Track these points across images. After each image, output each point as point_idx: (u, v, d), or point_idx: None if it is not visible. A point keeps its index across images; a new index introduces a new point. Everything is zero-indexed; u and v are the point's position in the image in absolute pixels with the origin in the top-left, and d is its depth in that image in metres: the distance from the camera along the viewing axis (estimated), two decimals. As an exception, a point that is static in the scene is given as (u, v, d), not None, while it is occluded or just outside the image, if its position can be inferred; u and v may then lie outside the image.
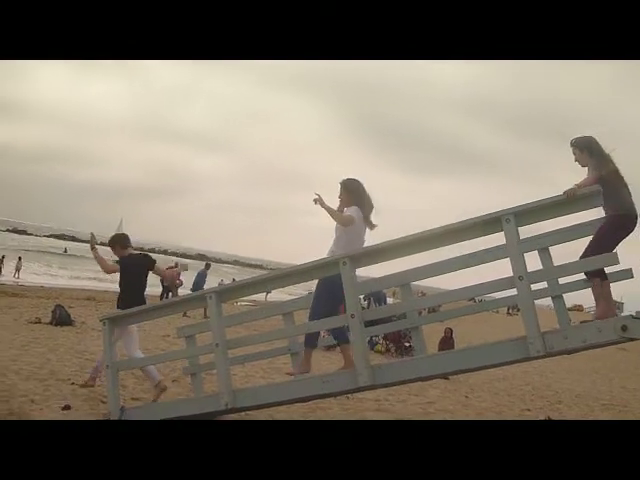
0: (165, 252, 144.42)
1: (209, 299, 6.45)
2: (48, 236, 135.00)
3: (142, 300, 8.29)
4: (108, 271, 8.77)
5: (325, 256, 6.38)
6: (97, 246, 9.04)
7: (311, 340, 6.97)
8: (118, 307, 8.47)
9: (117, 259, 8.78)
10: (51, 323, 15.23)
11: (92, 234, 9.22)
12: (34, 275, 43.62)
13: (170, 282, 28.46)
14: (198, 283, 23.80)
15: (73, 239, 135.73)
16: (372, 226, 6.90)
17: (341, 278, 5.96)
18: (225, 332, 6.60)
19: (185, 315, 18.75)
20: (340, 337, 6.79)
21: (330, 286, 6.46)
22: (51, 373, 9.35)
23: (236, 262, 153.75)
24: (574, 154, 6.03)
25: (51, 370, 9.57)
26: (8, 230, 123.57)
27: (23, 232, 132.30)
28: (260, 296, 28.02)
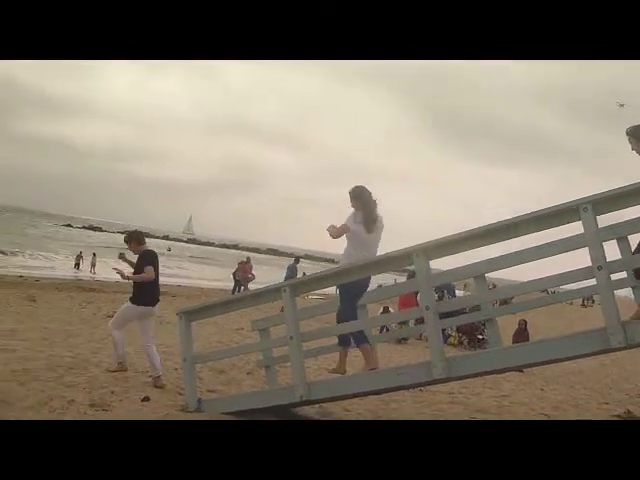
0: (236, 247, 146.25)
1: (283, 292, 6.51)
2: (121, 232, 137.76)
3: (158, 293, 9.06)
4: (148, 277, 8.98)
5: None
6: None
7: (346, 340, 7.25)
8: (134, 302, 8.99)
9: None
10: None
11: (123, 254, 9.57)
12: (109, 270, 44.56)
13: (242, 276, 29.13)
14: (289, 277, 23.96)
15: (147, 236, 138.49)
16: (370, 229, 7.15)
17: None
18: (299, 325, 6.65)
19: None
20: (359, 339, 7.03)
21: (348, 287, 6.96)
22: (130, 365, 9.57)
23: (307, 256, 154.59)
24: (630, 143, 5.87)
25: (129, 362, 9.79)
26: (84, 227, 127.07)
27: (98, 229, 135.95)
28: (330, 289, 28.02)
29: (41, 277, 27.14)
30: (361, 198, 7.31)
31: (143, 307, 8.96)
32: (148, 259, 9.01)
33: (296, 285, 6.68)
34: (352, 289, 7.07)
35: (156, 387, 8.44)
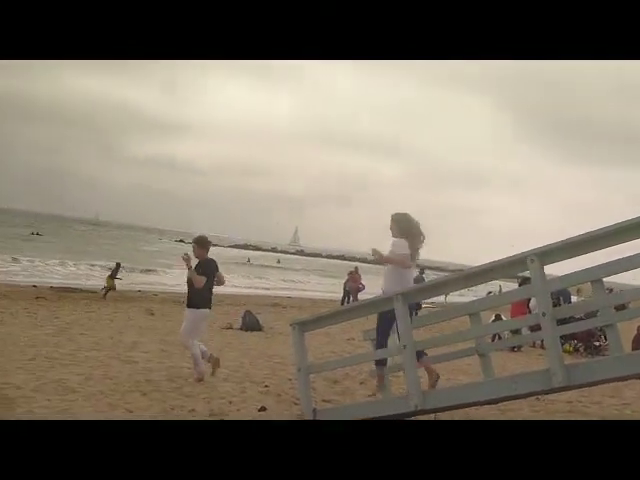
0: (342, 257, 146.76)
1: (396, 301, 6.50)
2: (232, 246, 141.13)
3: (211, 299, 9.55)
4: (199, 283, 9.29)
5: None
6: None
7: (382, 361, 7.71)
8: (194, 306, 9.36)
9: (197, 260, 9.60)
10: (241, 329, 15.96)
11: (187, 255, 9.78)
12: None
13: (352, 287, 29.25)
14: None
15: (257, 249, 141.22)
16: (414, 258, 7.79)
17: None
18: (412, 334, 6.62)
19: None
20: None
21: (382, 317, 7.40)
22: (246, 376, 9.81)
23: (415, 265, 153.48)
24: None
25: (245, 373, 10.04)
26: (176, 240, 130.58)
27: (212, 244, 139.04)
28: (440, 298, 27.77)
29: (158, 291, 28.09)
30: (403, 225, 7.72)
31: (203, 309, 9.41)
32: (204, 268, 9.44)
33: (408, 294, 6.65)
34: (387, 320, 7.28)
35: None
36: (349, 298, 29.12)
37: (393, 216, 7.83)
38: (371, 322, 12.92)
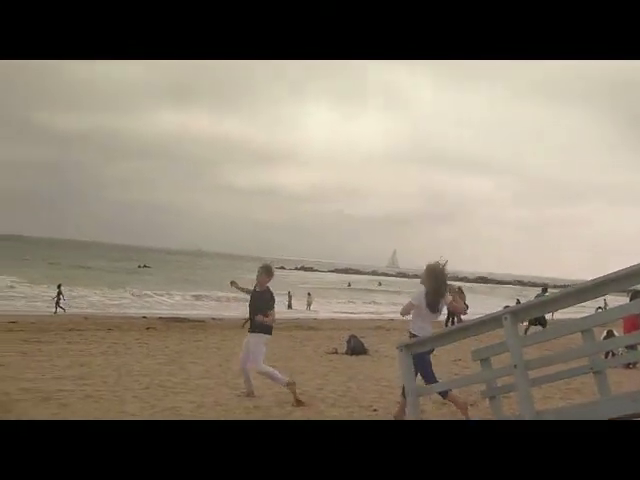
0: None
1: (504, 320, 6.36)
2: (332, 271, 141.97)
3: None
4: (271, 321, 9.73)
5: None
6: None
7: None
8: (267, 332, 9.76)
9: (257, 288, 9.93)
10: (347, 353, 15.96)
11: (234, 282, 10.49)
12: (325, 308, 46.23)
13: (453, 307, 28.82)
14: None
15: (357, 272, 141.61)
16: (435, 310, 8.48)
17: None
18: (522, 353, 6.46)
19: None
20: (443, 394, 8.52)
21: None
22: (353, 400, 9.79)
23: (517, 282, 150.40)
24: None
25: (353, 397, 10.02)
26: (296, 268, 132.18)
27: (309, 269, 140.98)
28: (549, 315, 27.03)
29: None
30: (431, 277, 8.29)
31: (269, 335, 9.77)
32: (273, 300, 9.79)
33: (517, 312, 6.48)
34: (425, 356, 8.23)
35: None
36: (453, 319, 28.66)
37: (427, 266, 8.44)
38: (477, 342, 12.69)
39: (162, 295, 44.47)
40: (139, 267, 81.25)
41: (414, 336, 8.79)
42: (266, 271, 9.92)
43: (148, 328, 21.75)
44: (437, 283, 8.38)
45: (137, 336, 19.18)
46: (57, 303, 30.21)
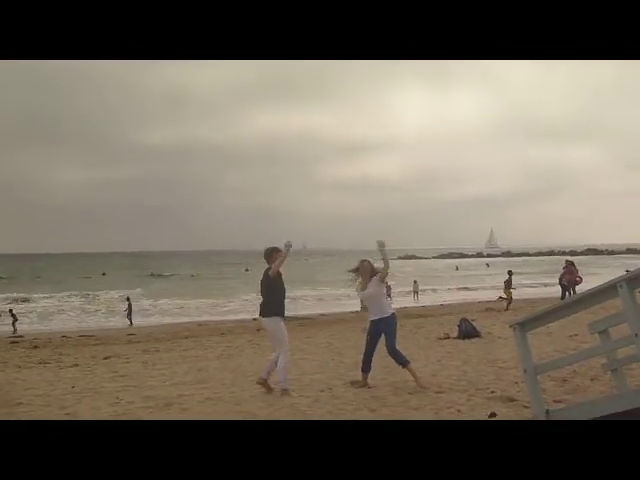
0: (552, 253, 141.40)
1: (620, 288, 6.11)
2: (437, 257, 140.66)
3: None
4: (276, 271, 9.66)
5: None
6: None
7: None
8: (266, 315, 9.68)
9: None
10: (459, 337, 15.76)
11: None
12: (432, 295, 45.87)
13: (568, 279, 28.05)
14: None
15: (461, 256, 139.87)
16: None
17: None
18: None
19: None
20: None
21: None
22: (470, 384, 9.65)
23: (630, 250, 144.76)
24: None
25: (469, 381, 9.88)
26: (399, 257, 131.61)
27: (412, 257, 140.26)
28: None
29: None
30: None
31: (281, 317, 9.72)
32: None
33: (633, 278, 6.21)
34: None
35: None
36: (568, 293, 27.98)
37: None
38: (593, 315, 12.29)
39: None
40: (245, 271, 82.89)
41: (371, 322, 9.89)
42: (266, 255, 9.92)
43: (259, 330, 22.10)
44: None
45: (249, 338, 19.57)
46: (128, 315, 31.12)
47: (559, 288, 28.86)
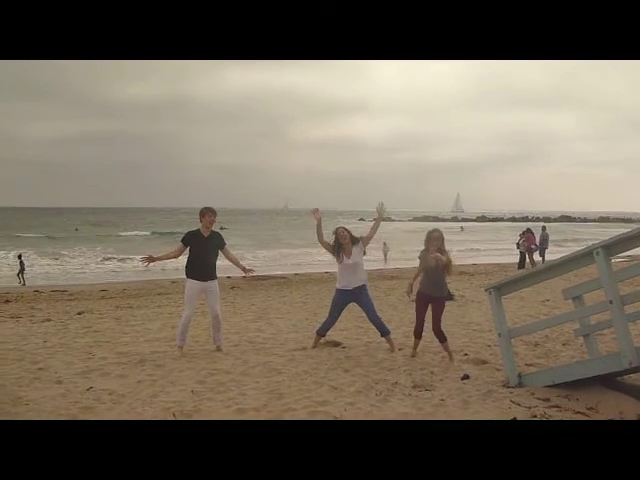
0: (526, 219, 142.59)
1: (596, 255, 6.15)
2: (412, 220, 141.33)
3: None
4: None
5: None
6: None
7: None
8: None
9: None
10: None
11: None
12: (403, 258, 45.96)
13: (525, 247, 28.35)
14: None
15: (436, 219, 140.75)
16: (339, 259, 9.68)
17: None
18: (617, 288, 6.24)
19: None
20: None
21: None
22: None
23: (602, 219, 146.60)
24: None
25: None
26: (374, 220, 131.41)
27: (388, 219, 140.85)
28: (636, 251, 26.27)
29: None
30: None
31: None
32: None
33: (609, 245, 6.24)
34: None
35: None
36: (526, 259, 28.46)
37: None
38: (565, 281, 12.39)
39: (242, 255, 44.88)
40: (220, 229, 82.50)
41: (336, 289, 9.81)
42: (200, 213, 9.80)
43: (233, 287, 22.11)
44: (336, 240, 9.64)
45: (223, 295, 19.48)
46: (20, 273, 30.29)
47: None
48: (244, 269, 9.84)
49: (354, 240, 9.62)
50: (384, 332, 9.64)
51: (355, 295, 9.63)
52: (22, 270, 30.23)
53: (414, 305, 9.23)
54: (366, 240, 9.69)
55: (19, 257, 31.97)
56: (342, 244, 9.57)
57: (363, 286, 9.61)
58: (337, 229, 9.77)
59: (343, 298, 9.70)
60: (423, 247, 9.05)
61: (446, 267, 8.91)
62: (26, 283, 28.87)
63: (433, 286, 8.94)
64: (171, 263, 32.94)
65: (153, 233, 77.42)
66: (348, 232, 9.71)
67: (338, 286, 9.71)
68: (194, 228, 9.82)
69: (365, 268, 9.83)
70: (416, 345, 9.21)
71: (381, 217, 9.76)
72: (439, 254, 8.74)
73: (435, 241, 8.90)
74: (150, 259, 9.73)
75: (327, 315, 9.85)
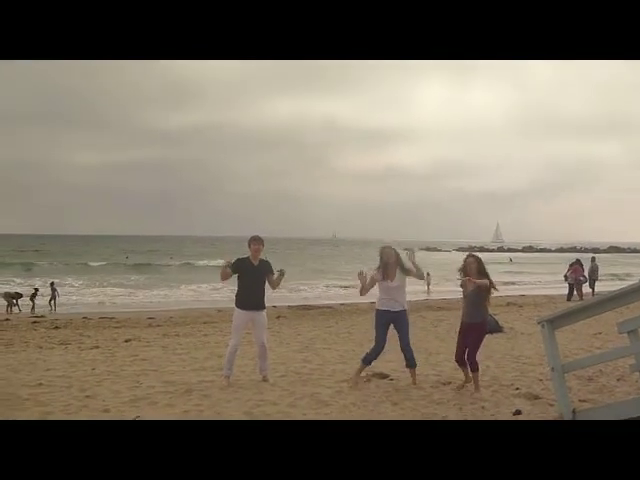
0: (574, 249, 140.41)
1: (660, 288, 5.96)
2: (457, 250, 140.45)
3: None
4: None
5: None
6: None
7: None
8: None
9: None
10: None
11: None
12: (449, 288, 45.49)
13: (573, 278, 27.83)
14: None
15: (481, 249, 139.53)
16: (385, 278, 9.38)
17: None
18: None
19: None
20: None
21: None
22: (494, 379, 9.54)
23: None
24: None
25: (493, 376, 9.76)
26: (421, 249, 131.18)
27: (434, 249, 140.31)
28: None
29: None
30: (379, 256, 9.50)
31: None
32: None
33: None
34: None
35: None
36: (573, 290, 27.99)
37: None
38: (617, 314, 12.08)
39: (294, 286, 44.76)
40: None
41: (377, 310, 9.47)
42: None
43: (279, 317, 22.07)
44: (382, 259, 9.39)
45: (269, 325, 19.41)
46: (51, 300, 30.50)
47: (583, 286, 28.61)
48: (280, 273, 9.78)
49: (400, 262, 9.38)
50: (411, 364, 9.40)
51: (394, 317, 9.33)
52: (54, 297, 30.74)
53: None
54: (410, 273, 9.42)
55: (51, 285, 32.38)
56: (387, 264, 9.33)
57: (403, 311, 9.37)
58: (384, 248, 9.51)
59: (385, 319, 9.36)
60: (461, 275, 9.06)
61: (487, 292, 8.90)
62: (56, 310, 29.35)
63: (469, 312, 8.95)
64: (217, 293, 32.53)
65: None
66: (395, 252, 9.43)
67: (378, 307, 9.44)
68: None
69: (409, 299, 9.69)
70: (466, 374, 9.05)
71: (414, 264, 9.40)
72: (478, 280, 8.75)
73: (469, 265, 8.98)
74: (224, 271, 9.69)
75: (374, 342, 9.54)
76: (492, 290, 8.98)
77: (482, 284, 8.71)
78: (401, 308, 9.34)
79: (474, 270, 8.92)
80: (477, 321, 8.89)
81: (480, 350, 9.05)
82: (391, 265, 9.34)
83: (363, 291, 9.35)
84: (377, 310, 9.45)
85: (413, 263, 9.32)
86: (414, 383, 9.27)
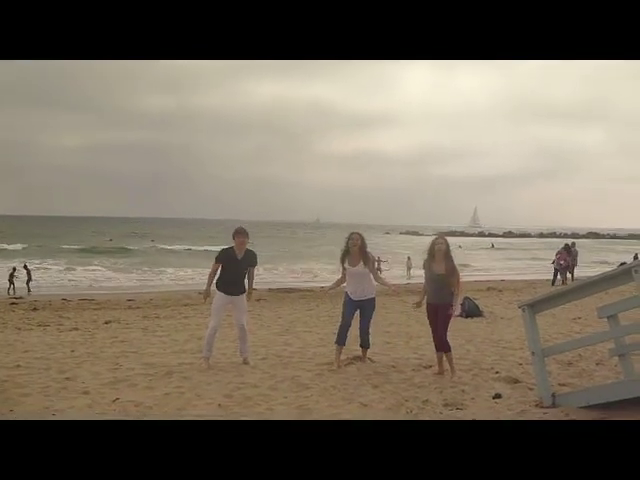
0: (554, 235, 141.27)
1: (634, 273, 5.99)
2: (435, 234, 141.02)
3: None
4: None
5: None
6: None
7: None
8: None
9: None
10: (461, 315, 15.65)
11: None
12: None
13: (558, 264, 28.11)
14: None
15: (462, 234, 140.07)
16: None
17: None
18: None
19: None
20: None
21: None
22: (474, 363, 9.57)
23: (632, 236, 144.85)
24: None
25: (473, 360, 9.80)
26: (401, 233, 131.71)
27: (415, 233, 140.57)
28: None
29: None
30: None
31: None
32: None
33: (650, 263, 6.07)
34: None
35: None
36: (557, 275, 28.37)
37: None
38: (597, 299, 12.15)
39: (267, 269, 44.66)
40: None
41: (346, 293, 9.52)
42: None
43: (259, 300, 22.03)
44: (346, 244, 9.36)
45: (249, 308, 19.40)
46: (10, 281, 30.10)
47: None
48: (248, 291, 9.83)
49: (364, 252, 9.34)
50: (365, 344, 9.59)
51: (363, 304, 9.42)
52: (29, 279, 30.89)
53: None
54: (374, 273, 9.62)
55: (25, 267, 32.28)
56: (350, 250, 9.34)
57: (372, 298, 9.45)
58: (352, 234, 9.45)
59: (353, 304, 9.45)
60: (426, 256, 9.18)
61: (450, 276, 8.97)
62: (31, 291, 29.46)
63: (438, 294, 9.04)
64: (199, 276, 32.45)
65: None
66: (362, 240, 9.38)
67: (346, 290, 9.53)
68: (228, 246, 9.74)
69: (393, 283, 9.72)
70: (439, 359, 9.07)
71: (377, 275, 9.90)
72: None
73: (436, 246, 9.12)
74: (206, 295, 9.94)
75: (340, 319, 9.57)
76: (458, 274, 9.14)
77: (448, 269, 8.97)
78: (371, 296, 9.44)
79: (442, 253, 9.05)
80: (446, 301, 9.00)
81: (454, 332, 9.11)
82: (354, 251, 9.33)
83: (331, 290, 9.93)
84: (346, 293, 9.54)
85: (378, 272, 9.61)
86: (363, 361, 9.54)
